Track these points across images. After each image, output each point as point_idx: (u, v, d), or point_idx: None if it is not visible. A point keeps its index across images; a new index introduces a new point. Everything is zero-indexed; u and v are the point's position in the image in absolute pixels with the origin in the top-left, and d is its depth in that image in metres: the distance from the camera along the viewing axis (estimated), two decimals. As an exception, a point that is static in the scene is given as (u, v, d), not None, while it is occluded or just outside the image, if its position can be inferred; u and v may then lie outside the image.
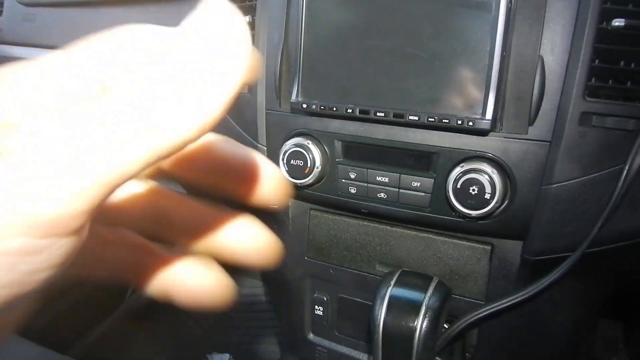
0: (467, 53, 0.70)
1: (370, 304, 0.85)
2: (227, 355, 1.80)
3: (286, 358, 1.28)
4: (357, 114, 0.78)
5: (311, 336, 1.16)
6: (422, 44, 0.72)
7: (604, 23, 0.66)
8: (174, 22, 0.20)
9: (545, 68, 0.69)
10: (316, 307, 1.11)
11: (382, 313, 0.79)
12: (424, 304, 0.78)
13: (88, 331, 1.94)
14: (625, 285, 1.05)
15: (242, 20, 0.20)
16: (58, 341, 1.78)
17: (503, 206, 0.75)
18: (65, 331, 1.86)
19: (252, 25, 0.90)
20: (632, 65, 0.66)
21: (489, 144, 0.73)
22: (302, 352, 1.20)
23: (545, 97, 0.70)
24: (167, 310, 2.06)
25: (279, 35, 0.86)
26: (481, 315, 0.82)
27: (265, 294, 2.08)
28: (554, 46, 0.68)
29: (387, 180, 0.83)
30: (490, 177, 0.72)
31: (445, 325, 0.85)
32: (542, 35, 0.69)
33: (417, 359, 0.78)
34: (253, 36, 0.89)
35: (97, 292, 1.96)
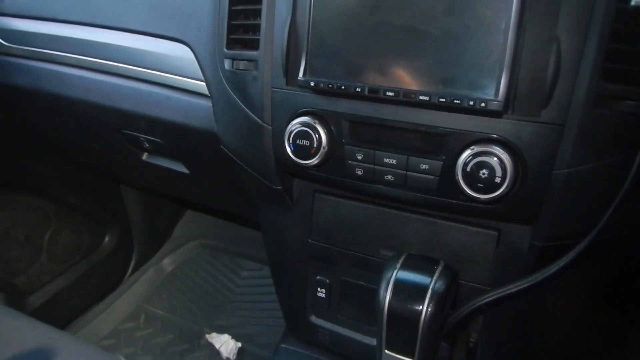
0: (481, 31, 0.68)
1: (374, 287, 0.84)
2: (226, 336, 1.80)
3: (287, 340, 1.28)
4: (366, 93, 0.76)
5: (313, 318, 1.16)
6: (435, 21, 0.70)
7: (623, 2, 0.64)
8: None
9: (561, 48, 0.67)
10: (319, 289, 1.10)
11: (387, 296, 0.78)
12: (430, 287, 0.77)
13: (87, 310, 1.95)
14: (632, 275, 1.04)
15: None
16: (58, 318, 1.80)
17: (513, 190, 0.73)
18: (64, 309, 1.87)
19: None
20: None
21: (501, 127, 0.72)
22: (304, 334, 1.20)
23: (559, 79, 0.68)
24: (167, 291, 2.07)
25: (287, 10, 0.83)
26: (486, 301, 0.81)
27: (264, 276, 2.08)
28: (571, 26, 0.66)
29: (394, 162, 0.81)
30: (501, 160, 0.70)
31: (450, 311, 0.84)
32: (558, 14, 0.66)
33: (422, 342, 0.77)
34: (260, 10, 0.87)
35: (96, 271, 1.97)
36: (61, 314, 1.85)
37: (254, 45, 0.89)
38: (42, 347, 0.98)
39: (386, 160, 0.82)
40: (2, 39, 1.31)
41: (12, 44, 1.30)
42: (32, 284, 1.78)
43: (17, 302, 1.69)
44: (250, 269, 2.14)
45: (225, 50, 0.93)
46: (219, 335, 1.82)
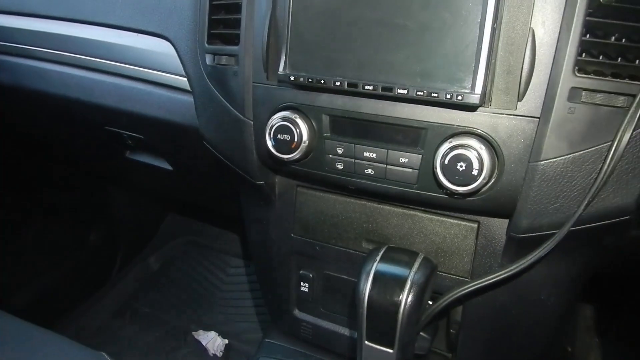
0: (457, 24, 0.68)
1: (356, 280, 0.85)
2: (213, 333, 1.80)
3: (271, 334, 1.28)
4: (346, 87, 0.77)
5: (296, 312, 1.16)
6: (412, 15, 0.71)
7: None
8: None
9: (536, 41, 0.68)
10: (302, 283, 1.11)
11: (367, 287, 0.79)
12: (409, 278, 0.78)
13: (72, 308, 1.93)
14: (607, 266, 1.05)
15: None
16: (43, 316, 1.78)
17: (490, 183, 0.74)
18: (50, 307, 1.85)
19: None
20: (623, 40, 0.65)
21: (478, 120, 0.72)
22: (287, 328, 1.21)
23: (535, 72, 0.69)
24: (153, 289, 2.06)
25: (267, 5, 0.83)
26: (466, 291, 0.81)
27: (250, 273, 2.08)
28: (545, 18, 0.67)
29: (374, 155, 0.82)
30: (478, 153, 0.71)
31: (429, 302, 0.85)
32: (533, 6, 0.67)
33: (401, 333, 0.78)
34: (240, 6, 0.87)
35: (82, 269, 1.96)
36: (46, 312, 1.83)
37: (234, 40, 0.89)
38: (26, 346, 0.97)
39: (366, 154, 0.82)
40: (-19, 35, 1.30)
41: (-10, 39, 1.29)
42: (16, 282, 1.76)
43: (1, 300, 1.68)
44: (237, 265, 2.14)
45: (206, 45, 0.93)
46: (205, 332, 1.82)
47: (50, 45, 1.18)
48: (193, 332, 1.83)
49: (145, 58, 1.06)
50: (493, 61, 0.69)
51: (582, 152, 0.69)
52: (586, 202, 0.69)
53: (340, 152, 0.84)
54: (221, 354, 1.76)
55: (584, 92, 0.67)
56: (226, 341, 1.79)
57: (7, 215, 1.74)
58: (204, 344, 1.78)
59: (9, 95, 1.35)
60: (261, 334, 1.64)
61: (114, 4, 1.08)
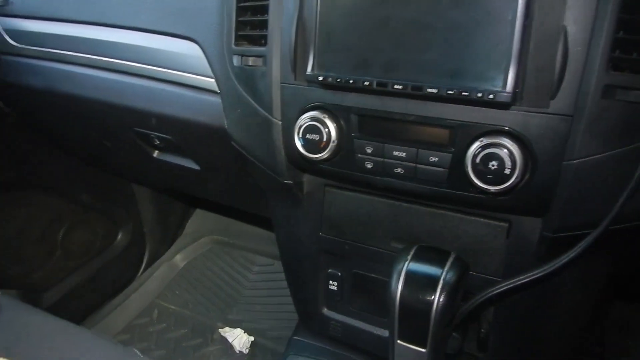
0: (488, 23, 0.68)
1: (385, 279, 0.85)
2: (239, 330, 1.82)
3: (300, 332, 1.29)
4: (375, 86, 0.77)
5: (325, 311, 1.17)
6: (442, 13, 0.70)
7: None
8: None
9: (568, 39, 0.67)
10: (330, 282, 1.11)
11: (399, 287, 0.79)
12: (442, 278, 0.77)
13: (100, 306, 1.97)
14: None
15: None
16: (72, 314, 1.82)
17: (523, 182, 0.73)
18: (79, 305, 1.89)
19: None
20: None
21: (509, 118, 0.72)
22: (316, 327, 1.21)
23: (567, 70, 0.68)
24: (179, 287, 2.09)
25: (294, 5, 0.84)
26: (497, 291, 0.81)
27: (275, 271, 2.10)
28: (578, 16, 0.66)
29: (404, 155, 0.82)
30: (510, 151, 0.71)
31: (461, 302, 0.85)
32: (565, 4, 0.66)
33: (434, 333, 0.78)
34: (267, 6, 0.87)
35: (110, 268, 1.99)
36: (76, 310, 1.87)
37: (261, 41, 0.90)
38: (60, 341, 1.00)
39: (395, 153, 0.82)
40: (13, 40, 1.33)
41: (23, 44, 1.32)
42: (47, 280, 1.80)
43: (32, 298, 1.72)
44: (262, 264, 2.16)
45: (233, 46, 0.93)
46: (231, 329, 1.84)
47: (81, 49, 1.21)
48: (219, 330, 1.85)
49: (174, 60, 1.07)
50: (524, 59, 0.69)
51: (617, 150, 0.68)
52: (622, 201, 0.68)
53: (369, 151, 0.84)
54: (247, 351, 1.77)
55: (618, 90, 0.66)
56: (252, 338, 1.80)
57: (39, 216, 1.78)
58: (230, 341, 1.80)
59: (41, 98, 1.38)
60: (286, 332, 1.65)
61: (142, 8, 1.09)
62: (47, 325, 1.06)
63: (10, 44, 1.33)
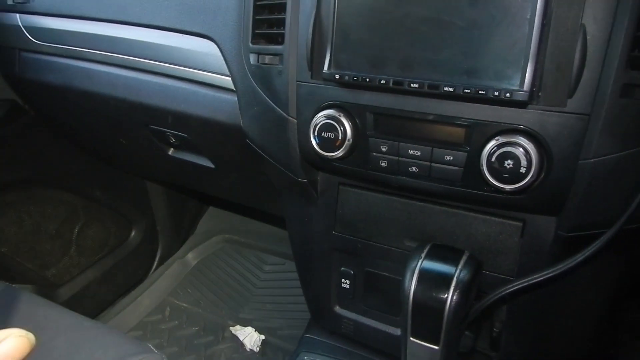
0: (506, 21, 0.68)
1: (398, 278, 0.85)
2: (250, 328, 1.83)
3: (312, 330, 1.29)
4: (391, 85, 0.77)
5: (338, 309, 1.17)
6: (460, 12, 0.71)
7: None
8: None
9: (587, 37, 0.67)
10: (343, 280, 1.12)
11: (412, 285, 0.79)
12: (455, 276, 0.78)
13: (113, 303, 1.99)
14: None
15: None
16: (86, 310, 1.84)
17: (538, 181, 0.73)
18: (92, 301, 1.91)
19: None
20: None
21: (526, 117, 0.72)
22: (328, 325, 1.22)
23: (585, 68, 0.67)
24: (191, 285, 2.10)
25: (312, 4, 0.84)
26: (511, 290, 0.81)
27: (286, 270, 2.10)
28: (597, 14, 0.66)
29: (419, 153, 0.82)
30: (526, 150, 0.71)
31: (474, 301, 0.85)
32: (585, 1, 0.66)
33: (447, 331, 0.78)
34: (285, 5, 0.88)
35: (123, 265, 2.01)
36: (89, 306, 1.89)
37: (278, 39, 0.91)
38: (77, 335, 1.01)
39: (410, 151, 0.82)
40: (32, 37, 1.35)
41: (42, 41, 1.33)
42: (62, 276, 1.83)
43: (48, 294, 1.74)
44: (273, 263, 2.16)
45: (250, 45, 0.94)
46: (242, 327, 1.85)
47: (98, 46, 1.22)
48: (230, 328, 1.86)
49: (190, 58, 1.08)
50: (542, 58, 0.68)
51: (634, 150, 0.68)
52: (637, 200, 0.68)
53: (384, 149, 0.84)
54: (258, 349, 1.78)
55: (637, 89, 0.66)
56: (263, 337, 1.81)
57: (55, 213, 1.81)
58: (241, 339, 1.80)
59: (59, 95, 1.40)
60: (297, 331, 1.65)
61: (160, 6, 1.10)
62: (64, 318, 1.07)
63: (30, 40, 1.35)
